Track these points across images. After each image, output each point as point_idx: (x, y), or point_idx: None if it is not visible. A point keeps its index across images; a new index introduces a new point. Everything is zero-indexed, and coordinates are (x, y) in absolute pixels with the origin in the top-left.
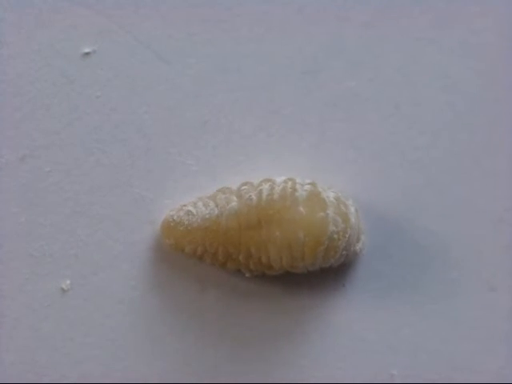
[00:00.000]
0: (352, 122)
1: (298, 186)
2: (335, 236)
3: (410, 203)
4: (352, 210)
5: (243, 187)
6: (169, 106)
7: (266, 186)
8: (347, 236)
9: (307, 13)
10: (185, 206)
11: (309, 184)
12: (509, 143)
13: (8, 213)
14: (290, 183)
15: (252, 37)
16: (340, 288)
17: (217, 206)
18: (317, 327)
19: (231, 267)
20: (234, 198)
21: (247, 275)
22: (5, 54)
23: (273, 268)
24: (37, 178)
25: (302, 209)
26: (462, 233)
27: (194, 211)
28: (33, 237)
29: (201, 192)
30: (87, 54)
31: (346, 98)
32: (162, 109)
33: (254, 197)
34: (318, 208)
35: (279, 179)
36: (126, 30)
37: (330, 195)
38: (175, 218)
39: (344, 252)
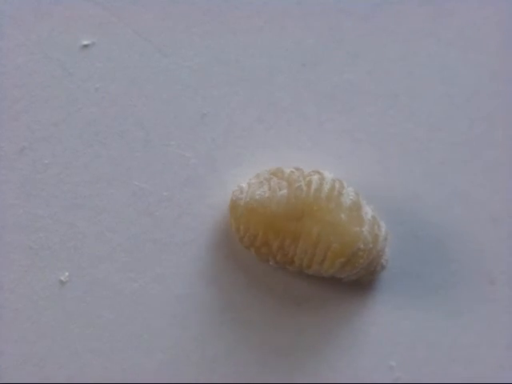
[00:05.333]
0: (351, 113)
1: (344, 192)
2: (360, 253)
3: (409, 195)
4: (383, 232)
5: (294, 174)
6: (167, 99)
7: (315, 178)
8: (370, 257)
9: (306, 5)
10: (247, 184)
11: (353, 192)
12: (507, 135)
13: (7, 205)
14: (337, 185)
15: (251, 29)
16: (338, 281)
17: (269, 189)
18: (315, 320)
19: (264, 253)
20: (285, 184)
21: (271, 263)
22: (4, 46)
23: (293, 264)
24: (36, 170)
25: (343, 216)
26: (462, 225)
27: (245, 188)
28: (31, 229)
29: (199, 184)
30: (86, 46)
31: (345, 89)
32: (160, 101)
33: (304, 187)
34: (355, 221)
35: (328, 175)
36: (125, 23)
37: (368, 212)
38: (237, 196)
39: (361, 271)
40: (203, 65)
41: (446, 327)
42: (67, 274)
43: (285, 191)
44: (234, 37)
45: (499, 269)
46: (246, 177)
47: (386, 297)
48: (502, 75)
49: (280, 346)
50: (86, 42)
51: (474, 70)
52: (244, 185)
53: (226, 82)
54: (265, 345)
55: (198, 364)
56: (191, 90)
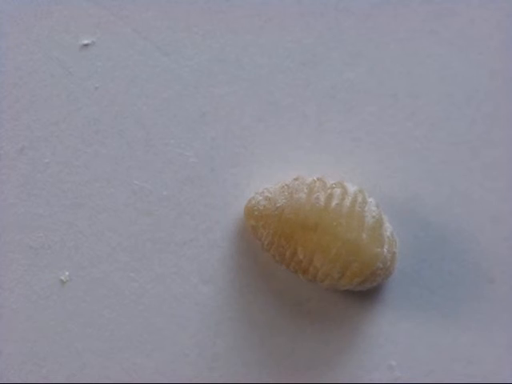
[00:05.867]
0: (351, 113)
1: (366, 208)
2: (378, 272)
3: (408, 194)
4: (397, 247)
5: (316, 183)
6: (167, 98)
7: (337, 191)
8: (388, 275)
9: (306, 3)
10: (266, 189)
11: (375, 207)
12: (508, 134)
13: (7, 204)
14: (360, 199)
15: (251, 28)
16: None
17: (289, 194)
18: (315, 320)
19: (279, 260)
20: (305, 190)
21: (284, 267)
22: (3, 45)
23: (307, 273)
24: (35, 169)
25: (364, 236)
26: (461, 224)
27: (271, 196)
28: (31, 228)
29: (199, 183)
30: (86, 45)
31: (345, 89)
32: (160, 100)
33: (322, 199)
34: (377, 242)
35: (351, 188)
36: (125, 22)
37: (388, 228)
38: (256, 200)
39: (374, 283)
40: (203, 64)
41: (445, 326)
42: (67, 273)
43: (302, 196)
44: (234, 36)
45: (499, 268)
46: (245, 176)
47: (386, 296)
48: (502, 75)
49: (280, 345)
50: (85, 42)
51: (475, 69)
52: (264, 190)
53: (226, 81)
54: (264, 345)
55: (197, 364)
56: (191, 89)
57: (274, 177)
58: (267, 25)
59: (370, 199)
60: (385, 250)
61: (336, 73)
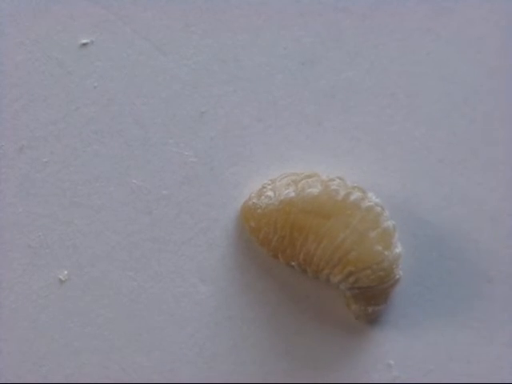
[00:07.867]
0: (350, 112)
1: (385, 214)
2: (368, 272)
3: (407, 194)
4: (400, 275)
5: (335, 181)
6: (166, 97)
7: (358, 193)
8: (374, 283)
9: (305, 3)
10: (265, 187)
11: (392, 223)
12: (506, 133)
13: (6, 203)
14: (379, 206)
15: (250, 27)
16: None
17: (296, 189)
18: (314, 319)
19: (289, 254)
20: (319, 186)
21: (294, 265)
22: (2, 44)
23: (312, 265)
24: (34, 168)
25: (373, 232)
26: (459, 223)
27: (271, 194)
28: (30, 227)
29: (198, 182)
30: (85, 44)
31: (344, 88)
32: (159, 99)
33: (342, 192)
34: (382, 242)
35: (372, 197)
36: (124, 21)
37: (398, 246)
38: (255, 200)
39: (357, 291)
40: (202, 63)
41: (444, 326)
42: (66, 272)
43: (315, 190)
44: (232, 35)
45: (497, 267)
46: (244, 176)
47: None
48: (500, 73)
49: (278, 345)
50: (84, 41)
51: (473, 67)
52: (263, 190)
53: (225, 81)
54: (263, 344)
55: (195, 363)
56: (190, 88)
57: (272, 176)
58: (266, 24)
59: (390, 221)
60: (387, 253)
61: (335, 72)
